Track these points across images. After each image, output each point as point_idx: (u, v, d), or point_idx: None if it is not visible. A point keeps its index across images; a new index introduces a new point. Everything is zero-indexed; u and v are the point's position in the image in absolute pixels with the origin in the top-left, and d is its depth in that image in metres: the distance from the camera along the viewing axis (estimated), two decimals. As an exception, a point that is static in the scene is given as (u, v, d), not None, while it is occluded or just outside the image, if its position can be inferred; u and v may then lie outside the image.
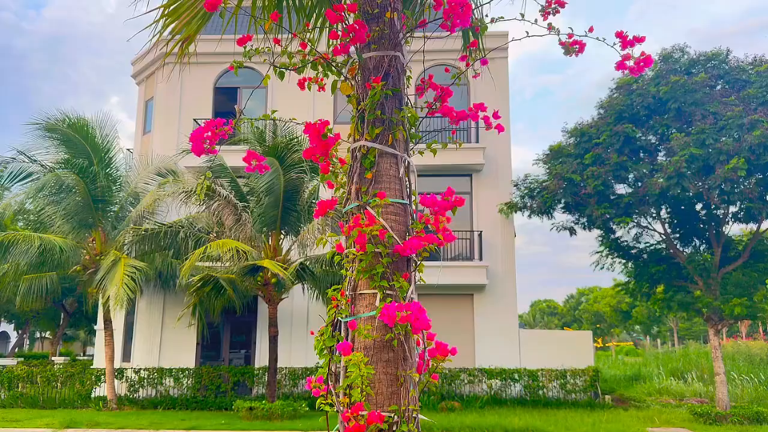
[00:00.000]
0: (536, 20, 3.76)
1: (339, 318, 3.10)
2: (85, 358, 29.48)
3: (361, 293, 3.09)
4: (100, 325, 18.92)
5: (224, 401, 17.03)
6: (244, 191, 16.33)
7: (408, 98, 3.55)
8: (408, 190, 3.39)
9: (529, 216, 18.33)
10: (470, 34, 5.38)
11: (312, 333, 3.17)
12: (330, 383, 2.96)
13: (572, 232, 17.29)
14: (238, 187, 16.35)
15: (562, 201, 16.63)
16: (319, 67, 3.60)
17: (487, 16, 4.02)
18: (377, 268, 3.02)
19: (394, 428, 2.90)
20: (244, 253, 13.61)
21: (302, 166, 14.92)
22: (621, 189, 16.22)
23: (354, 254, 3.10)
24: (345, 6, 3.27)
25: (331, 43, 3.49)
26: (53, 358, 23.54)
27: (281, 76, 3.61)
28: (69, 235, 17.45)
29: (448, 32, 3.47)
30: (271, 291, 15.40)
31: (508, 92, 21.07)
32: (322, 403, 3.03)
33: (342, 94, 3.51)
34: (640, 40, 3.49)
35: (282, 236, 15.97)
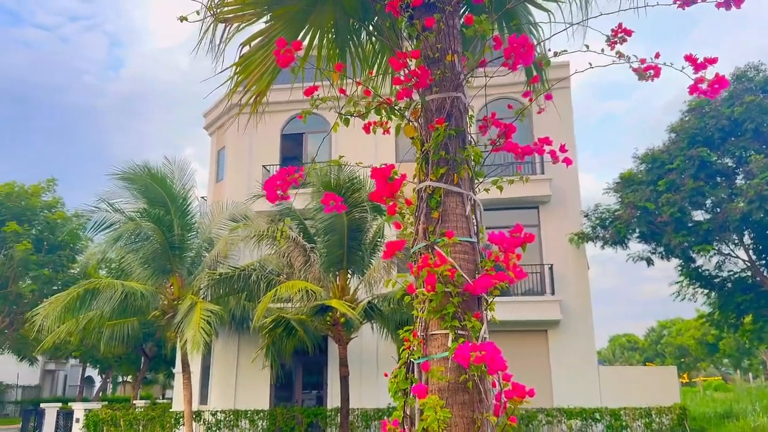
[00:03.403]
0: (603, 50, 3.72)
1: (412, 359, 3.09)
2: (164, 401, 30.33)
3: (432, 334, 3.08)
4: (178, 368, 19.49)
5: (298, 443, 17.07)
6: (311, 232, 16.66)
7: (471, 137, 3.57)
8: (475, 227, 3.38)
9: (602, 247, 17.80)
10: (533, 68, 5.38)
11: (386, 375, 3.17)
12: (405, 426, 2.94)
13: (649, 262, 16.63)
14: (306, 228, 16.70)
15: (637, 230, 16.09)
16: (383, 111, 3.69)
17: (549, 50, 4.02)
18: (448, 308, 3.01)
19: (472, 473, 2.83)
20: (312, 293, 13.80)
21: (364, 206, 15.10)
22: (698, 215, 15.55)
23: (424, 294, 3.10)
24: (407, 53, 3.35)
25: (394, 88, 3.58)
26: (134, 402, 24.38)
27: (347, 123, 3.72)
28: (148, 282, 18.20)
29: (510, 70, 3.49)
30: (340, 331, 15.48)
31: (572, 121, 20.74)
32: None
33: (406, 136, 3.59)
34: (711, 61, 3.39)
35: (349, 276, 16.10)
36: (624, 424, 16.90)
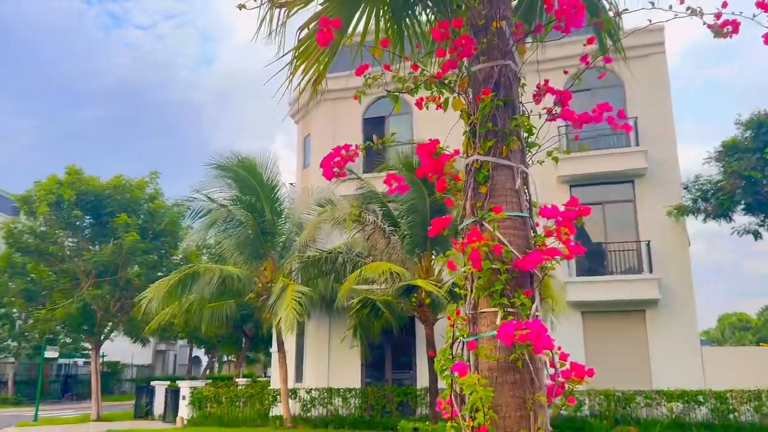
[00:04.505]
0: (671, 6, 3.41)
1: (460, 338, 3.02)
2: (265, 379, 31.78)
3: (482, 312, 2.99)
4: (274, 348, 20.33)
5: (389, 421, 17.34)
6: (394, 215, 16.75)
7: (524, 107, 3.40)
8: (527, 202, 3.23)
9: (704, 220, 16.67)
10: (604, 34, 5.05)
11: (431, 354, 3.12)
12: (455, 405, 2.88)
13: (756, 235, 15.39)
14: (389, 211, 16.81)
15: (742, 202, 14.89)
16: (432, 86, 3.59)
17: (611, 10, 3.75)
18: (496, 286, 2.90)
19: (523, 454, 2.74)
20: (397, 274, 13.90)
21: (450, 191, 14.98)
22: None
23: (470, 272, 3.01)
24: (450, 23, 3.24)
25: (441, 61, 3.47)
26: (237, 380, 25.71)
27: (395, 99, 3.66)
28: (243, 266, 19.10)
29: (564, 34, 3.29)
30: (426, 311, 15.52)
31: (669, 89, 19.43)
32: (451, 426, 2.95)
33: (454, 110, 3.48)
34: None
35: (433, 257, 16.07)
36: (731, 407, 15.86)
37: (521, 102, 3.38)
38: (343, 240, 18.07)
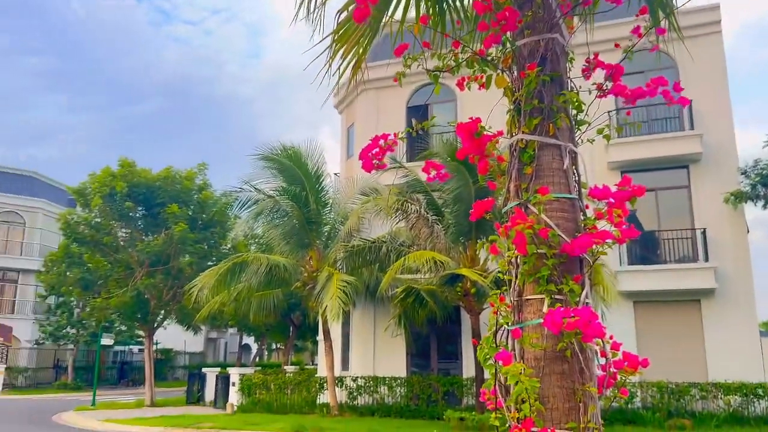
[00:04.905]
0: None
1: (504, 326, 2.89)
2: (313, 366, 32.19)
3: (527, 299, 2.84)
4: (320, 336, 20.51)
5: (435, 410, 17.28)
6: (438, 203, 16.58)
7: (572, 83, 3.22)
8: (576, 183, 3.05)
9: (764, 206, 15.88)
10: (657, 7, 4.77)
11: (474, 342, 2.99)
12: (500, 396, 2.76)
13: (823, 222, 14.52)
14: (433, 200, 16.64)
15: (806, 186, 14.10)
16: (475, 64, 3.44)
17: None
18: (542, 271, 2.75)
19: (573, 447, 2.59)
20: (441, 263, 13.75)
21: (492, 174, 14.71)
22: None
23: (515, 256, 2.86)
24: (492, -6, 3.07)
25: (484, 36, 3.31)
26: (285, 367, 26.10)
27: (435, 79, 3.53)
28: (289, 255, 19.29)
29: (614, 5, 3.09)
30: (471, 301, 15.33)
31: (725, 70, 18.56)
32: (495, 417, 2.83)
33: (497, 87, 3.32)
34: None
35: (478, 246, 15.84)
36: (794, 402, 15.15)
37: (569, 77, 3.19)
38: (387, 229, 18.02)
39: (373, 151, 3.72)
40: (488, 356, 2.75)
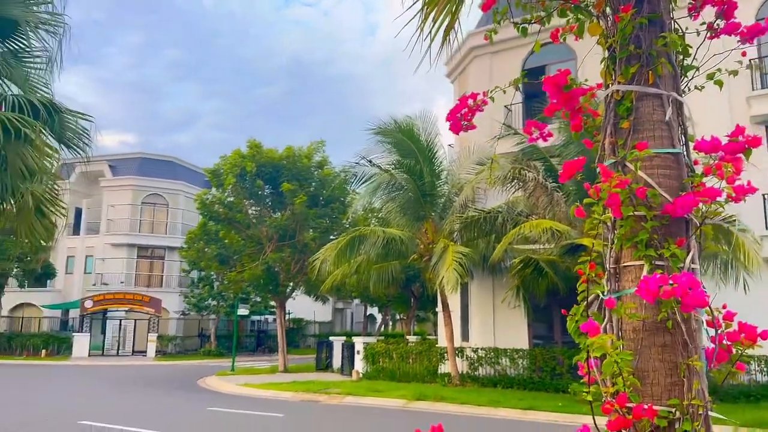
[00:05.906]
0: None
1: (599, 294, 2.66)
2: (434, 337, 32.51)
3: (625, 265, 2.60)
4: (439, 307, 20.61)
5: (560, 383, 16.80)
6: (557, 170, 15.86)
7: (677, 24, 2.86)
8: (682, 136, 2.73)
9: None
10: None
11: (564, 312, 2.80)
12: (596, 370, 2.56)
13: None
14: (552, 166, 15.96)
15: None
16: (568, 12, 3.17)
17: None
18: (640, 235, 2.49)
19: (675, 426, 2.36)
20: (560, 233, 13.19)
21: (589, 130, 13.78)
22: None
23: (608, 219, 2.62)
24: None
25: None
26: (407, 337, 26.60)
27: (524, 32, 3.30)
28: (405, 228, 19.48)
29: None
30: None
31: None
32: (584, 392, 2.65)
33: (590, 35, 3.03)
34: None
35: (603, 212, 15.00)
36: None
37: (673, 18, 2.84)
38: (503, 199, 17.57)
39: (462, 112, 3.57)
40: (579, 328, 2.56)
